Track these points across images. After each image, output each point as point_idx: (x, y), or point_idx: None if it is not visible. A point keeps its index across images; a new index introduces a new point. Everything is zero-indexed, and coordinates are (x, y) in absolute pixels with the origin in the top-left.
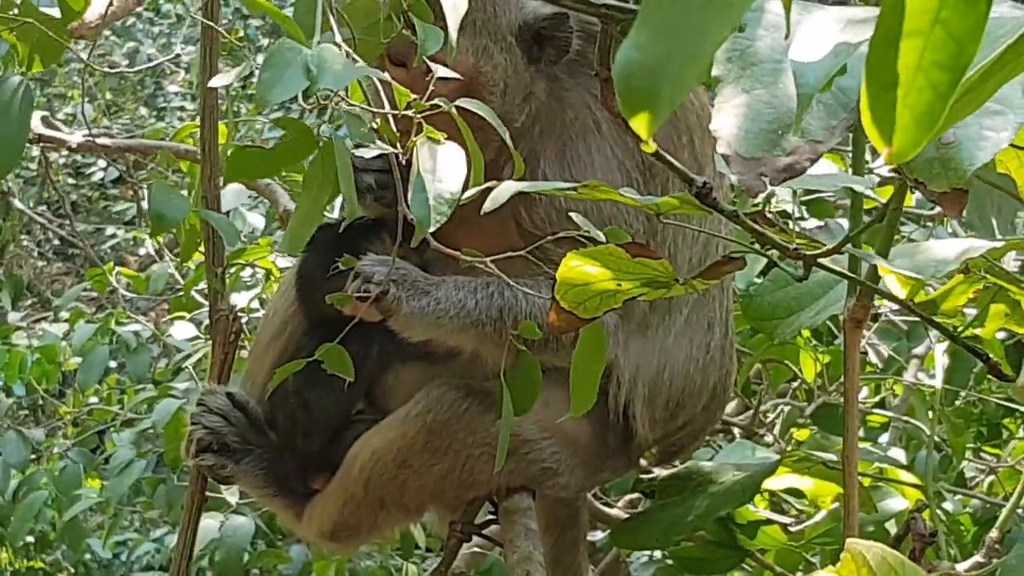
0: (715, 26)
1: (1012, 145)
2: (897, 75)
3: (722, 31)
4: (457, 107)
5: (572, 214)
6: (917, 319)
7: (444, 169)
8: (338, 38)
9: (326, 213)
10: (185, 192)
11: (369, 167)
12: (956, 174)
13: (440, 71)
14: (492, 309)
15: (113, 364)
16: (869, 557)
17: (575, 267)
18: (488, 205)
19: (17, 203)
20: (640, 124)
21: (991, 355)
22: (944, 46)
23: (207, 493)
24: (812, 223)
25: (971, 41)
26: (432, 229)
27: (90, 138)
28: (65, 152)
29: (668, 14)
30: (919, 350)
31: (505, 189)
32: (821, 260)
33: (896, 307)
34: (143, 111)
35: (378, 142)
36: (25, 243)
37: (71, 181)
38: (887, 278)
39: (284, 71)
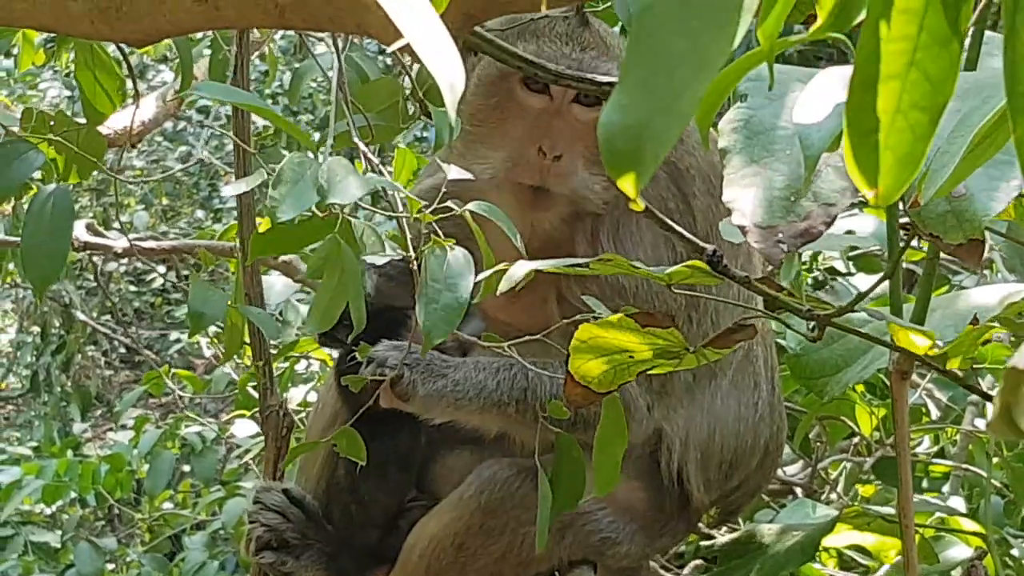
0: (694, 83)
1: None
2: (876, 120)
3: (700, 87)
4: (471, 211)
5: (586, 297)
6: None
7: (453, 276)
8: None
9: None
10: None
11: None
12: (971, 225)
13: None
14: (515, 390)
15: (187, 468)
16: None
17: (588, 340)
18: (503, 285)
19: (80, 315)
20: (626, 184)
21: None
22: (921, 87)
23: None
24: (860, 278)
25: (947, 81)
26: (440, 340)
27: (134, 242)
28: (125, 260)
29: (646, 75)
30: (975, 397)
31: (520, 269)
32: (835, 320)
33: None
34: (200, 214)
35: (388, 248)
36: (91, 354)
37: (132, 288)
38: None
39: (295, 186)
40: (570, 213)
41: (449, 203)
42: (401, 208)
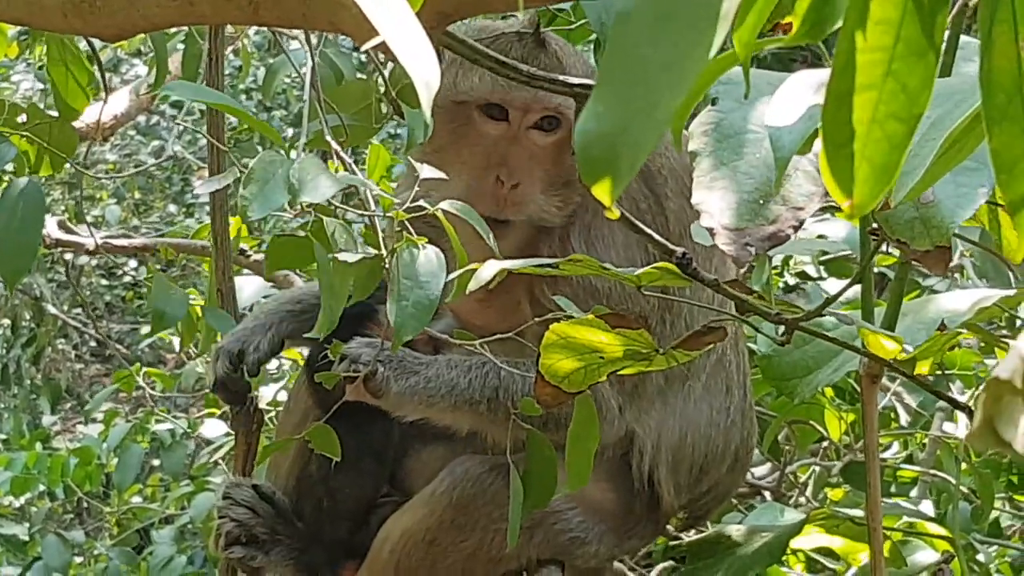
0: (670, 92)
1: (988, 202)
2: (852, 131)
3: (677, 96)
4: (444, 211)
5: (557, 297)
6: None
7: (424, 275)
8: (328, 135)
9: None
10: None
11: None
12: (938, 232)
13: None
14: (487, 388)
15: (157, 462)
16: None
17: (558, 340)
18: (473, 284)
19: (51, 308)
20: (602, 191)
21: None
22: (897, 98)
23: None
24: (831, 282)
25: (923, 91)
26: (409, 337)
27: (105, 240)
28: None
29: (623, 83)
30: (944, 403)
31: (490, 268)
32: (804, 324)
33: None
34: (172, 208)
35: (362, 246)
36: (61, 347)
37: (104, 282)
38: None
39: (265, 185)
40: (531, 233)
41: (421, 202)
42: (374, 206)
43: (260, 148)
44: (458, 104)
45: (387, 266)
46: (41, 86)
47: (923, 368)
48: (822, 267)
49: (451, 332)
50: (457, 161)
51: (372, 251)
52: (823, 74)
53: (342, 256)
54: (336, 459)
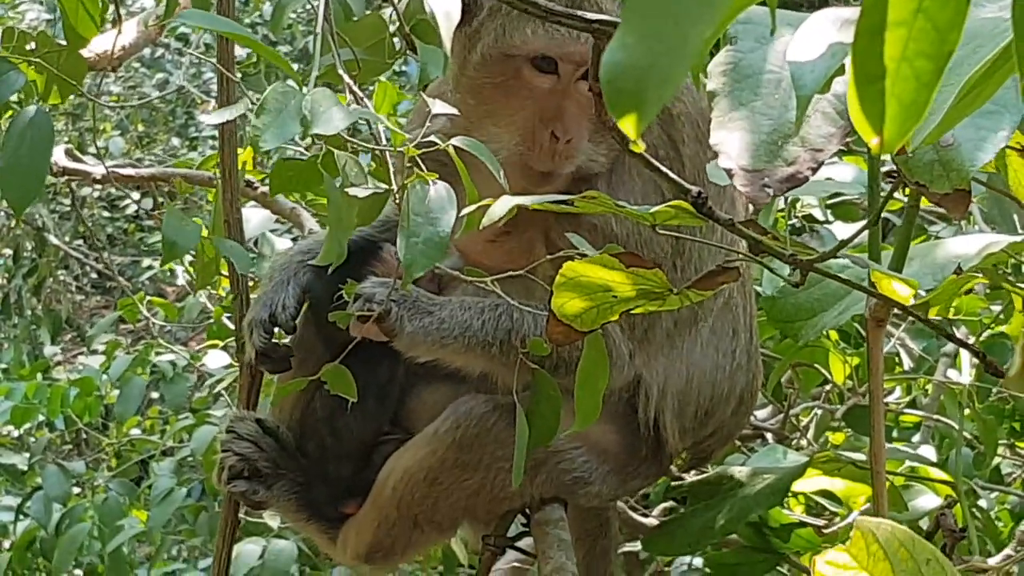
0: (698, 26)
1: (1008, 146)
2: (882, 67)
3: (705, 30)
4: (455, 146)
5: (569, 234)
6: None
7: (435, 211)
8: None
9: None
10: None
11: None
12: (958, 175)
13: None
14: (499, 330)
15: (156, 395)
16: (878, 534)
17: (571, 279)
18: (486, 220)
19: (52, 238)
20: (628, 125)
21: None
22: (927, 36)
23: (249, 518)
24: (838, 226)
25: (953, 30)
26: (419, 274)
27: (113, 170)
28: (99, 185)
29: (651, 16)
30: (948, 348)
31: (503, 204)
32: (818, 266)
33: None
34: (175, 141)
35: (372, 181)
36: (63, 278)
37: (106, 214)
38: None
39: (278, 116)
40: (568, 183)
41: (432, 137)
42: (384, 141)
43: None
44: (507, 57)
45: (396, 201)
46: (47, 16)
47: (935, 312)
48: (829, 211)
49: (460, 269)
50: (506, 112)
51: (381, 186)
52: (847, 11)
53: (352, 191)
54: (352, 399)
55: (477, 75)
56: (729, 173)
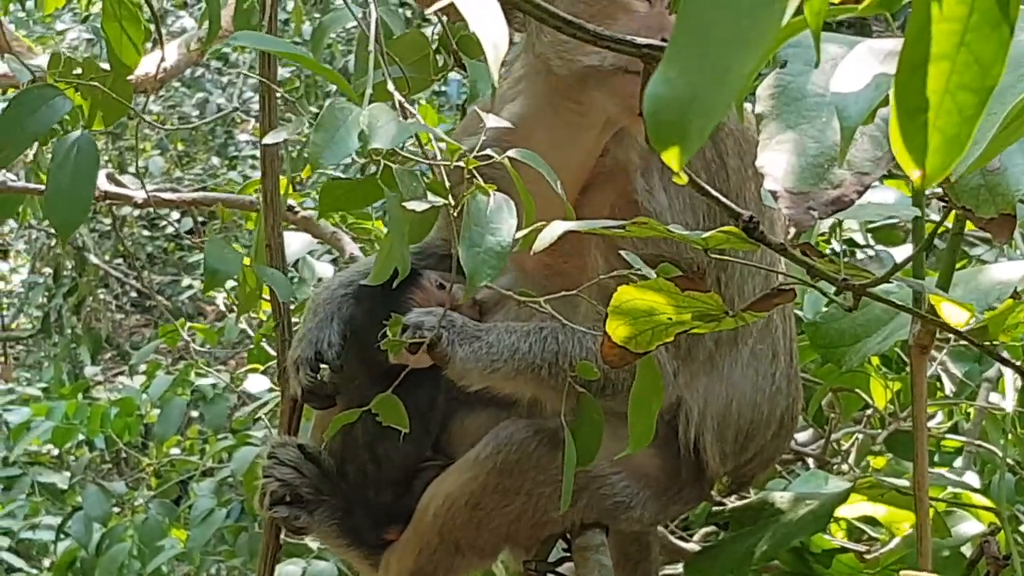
0: (741, 60)
1: None
2: (925, 100)
3: (748, 64)
4: (510, 158)
5: (623, 252)
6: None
7: (494, 221)
8: (390, 85)
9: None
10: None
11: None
12: (1003, 200)
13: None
14: (547, 352)
15: (196, 415)
16: None
17: (627, 301)
18: (538, 246)
19: (92, 258)
20: (671, 157)
21: None
22: (970, 69)
23: (289, 540)
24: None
25: (996, 63)
26: (484, 283)
27: (154, 194)
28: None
29: (695, 49)
30: (991, 373)
31: (554, 229)
32: (871, 290)
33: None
34: (215, 161)
35: (430, 195)
36: (103, 297)
37: (146, 233)
38: (942, 305)
39: (335, 133)
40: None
41: (488, 151)
42: (439, 154)
43: (308, 103)
44: None
45: (454, 215)
46: (88, 36)
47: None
48: (869, 235)
49: (514, 289)
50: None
51: (436, 200)
52: (891, 43)
53: (410, 204)
54: (404, 429)
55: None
56: (774, 195)
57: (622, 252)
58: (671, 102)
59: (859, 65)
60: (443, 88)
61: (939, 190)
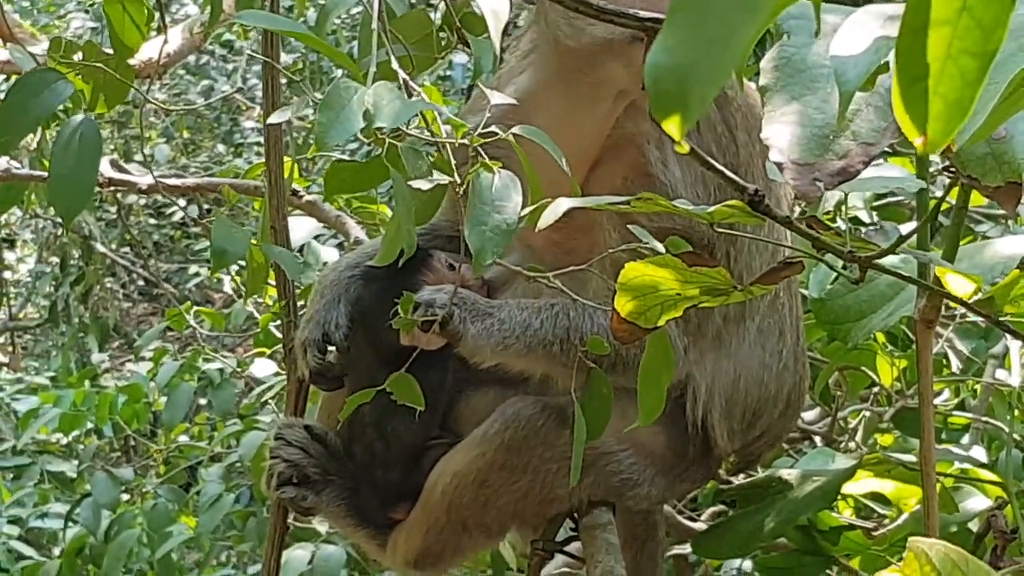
0: (741, 27)
1: None
2: (926, 65)
3: (748, 33)
4: (515, 135)
5: (632, 227)
6: None
7: (500, 198)
8: (395, 63)
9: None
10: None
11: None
12: (1010, 168)
13: None
14: (558, 328)
15: (204, 401)
16: (932, 554)
17: (635, 276)
18: (543, 222)
19: (99, 246)
20: (672, 126)
21: None
22: (971, 34)
23: (297, 524)
24: (886, 227)
25: (997, 27)
26: (490, 260)
27: (159, 179)
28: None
29: (695, 18)
30: (997, 349)
31: (559, 206)
32: (877, 262)
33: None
34: (220, 148)
35: (435, 173)
36: (110, 285)
37: (152, 221)
38: (948, 278)
39: (340, 112)
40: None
41: (494, 127)
42: (444, 133)
43: (312, 87)
44: None
45: (459, 192)
46: (92, 24)
47: (1004, 308)
48: (875, 212)
49: (523, 266)
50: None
51: (442, 179)
52: (892, 8)
53: (415, 183)
54: (420, 407)
55: None
56: (780, 167)
57: (631, 227)
58: (671, 71)
59: (858, 29)
60: (448, 72)
61: (946, 164)
